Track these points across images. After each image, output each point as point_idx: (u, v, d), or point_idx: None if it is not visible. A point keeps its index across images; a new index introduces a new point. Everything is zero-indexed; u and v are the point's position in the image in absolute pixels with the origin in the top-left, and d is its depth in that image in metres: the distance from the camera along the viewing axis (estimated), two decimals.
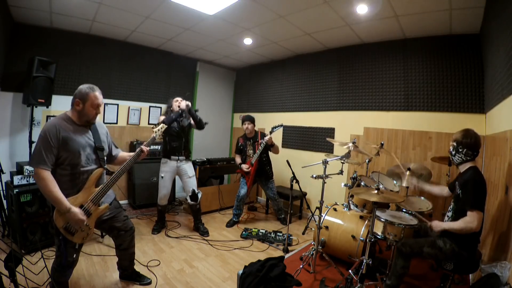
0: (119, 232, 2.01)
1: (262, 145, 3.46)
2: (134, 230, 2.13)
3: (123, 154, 2.11)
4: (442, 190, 2.16)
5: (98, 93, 1.78)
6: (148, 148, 2.00)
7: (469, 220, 1.63)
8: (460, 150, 1.82)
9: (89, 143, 1.80)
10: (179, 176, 3.31)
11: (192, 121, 3.27)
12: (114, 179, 1.82)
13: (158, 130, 2.11)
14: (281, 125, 3.46)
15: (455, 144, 1.85)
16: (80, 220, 1.66)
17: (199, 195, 3.30)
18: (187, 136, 3.33)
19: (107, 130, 2.02)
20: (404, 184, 2.59)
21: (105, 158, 1.91)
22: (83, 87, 1.75)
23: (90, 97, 1.73)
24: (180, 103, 3.14)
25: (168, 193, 3.28)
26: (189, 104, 3.13)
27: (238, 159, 3.78)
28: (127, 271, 2.23)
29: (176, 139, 3.19)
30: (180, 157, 3.22)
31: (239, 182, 3.78)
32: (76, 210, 1.64)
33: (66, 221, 1.66)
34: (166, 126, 2.21)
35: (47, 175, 1.58)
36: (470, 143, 1.78)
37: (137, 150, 1.96)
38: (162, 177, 3.22)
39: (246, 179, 3.66)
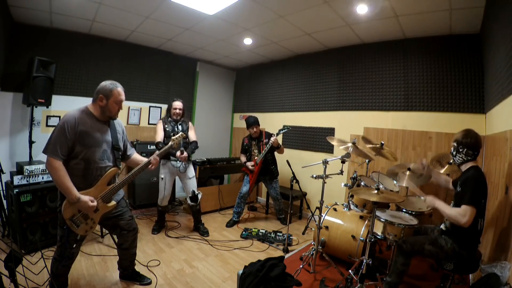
0: (121, 231, 2.02)
1: (268, 145, 3.47)
2: (138, 231, 2.14)
3: (137, 156, 2.12)
4: (447, 182, 2.13)
5: (121, 89, 1.81)
6: (158, 159, 2.03)
7: (461, 213, 1.63)
8: (460, 150, 1.83)
9: (107, 141, 1.82)
10: (179, 177, 3.31)
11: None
12: (126, 181, 1.86)
13: (176, 138, 2.14)
14: (288, 128, 3.44)
15: (455, 144, 1.86)
16: (91, 206, 1.69)
17: (199, 196, 3.29)
18: (186, 141, 3.31)
19: (124, 128, 2.04)
20: (412, 166, 2.49)
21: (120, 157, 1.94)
22: (107, 83, 1.78)
23: (114, 94, 1.76)
24: (180, 156, 3.01)
25: (169, 194, 3.27)
26: (184, 152, 3.04)
27: (243, 158, 3.79)
28: (127, 271, 2.23)
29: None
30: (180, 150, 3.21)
31: (243, 181, 3.79)
32: (85, 198, 1.67)
33: (73, 213, 1.69)
34: (185, 135, 2.25)
35: (58, 165, 1.61)
36: (470, 142, 1.79)
37: (150, 158, 2.00)
38: (162, 178, 3.21)
39: (249, 177, 3.67)
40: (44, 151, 1.64)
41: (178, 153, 3.02)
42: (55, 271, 1.83)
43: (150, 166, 2.00)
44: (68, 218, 1.69)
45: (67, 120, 1.65)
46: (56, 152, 1.60)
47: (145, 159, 2.04)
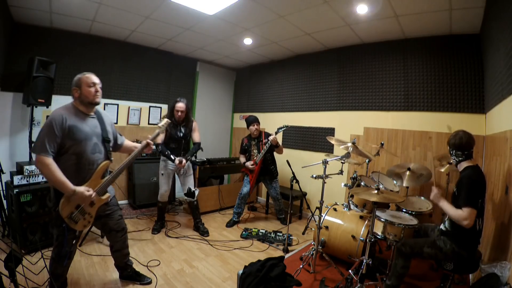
0: (110, 231, 2.02)
1: (267, 145, 3.47)
2: (127, 231, 2.13)
3: (128, 143, 2.15)
4: None
5: (89, 74, 1.81)
6: (152, 142, 2.03)
7: (464, 216, 1.63)
8: (451, 152, 1.88)
9: (96, 133, 1.82)
10: (177, 174, 3.33)
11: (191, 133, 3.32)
12: (120, 171, 1.86)
13: (163, 125, 2.14)
14: (286, 126, 3.45)
15: (448, 147, 1.91)
16: (88, 196, 1.69)
17: (196, 192, 3.31)
18: (188, 141, 3.33)
19: (112, 120, 2.04)
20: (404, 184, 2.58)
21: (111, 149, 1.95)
22: (75, 77, 1.79)
23: (83, 80, 1.77)
24: (178, 165, 3.09)
25: (169, 189, 3.30)
26: (183, 161, 3.11)
27: (242, 159, 3.79)
28: (126, 271, 2.22)
29: (175, 142, 3.22)
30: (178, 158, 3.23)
31: (243, 181, 3.79)
32: (81, 189, 1.67)
33: (71, 210, 1.69)
34: (170, 121, 2.25)
35: (49, 161, 1.60)
36: (455, 143, 1.81)
37: (143, 142, 2.00)
38: (162, 174, 3.26)
39: (249, 177, 3.67)
40: (33, 150, 1.64)
41: (176, 161, 3.06)
42: (55, 271, 1.83)
43: (147, 148, 2.01)
44: (66, 216, 1.69)
45: (54, 117, 1.65)
46: (45, 149, 1.60)
47: (138, 145, 2.05)
